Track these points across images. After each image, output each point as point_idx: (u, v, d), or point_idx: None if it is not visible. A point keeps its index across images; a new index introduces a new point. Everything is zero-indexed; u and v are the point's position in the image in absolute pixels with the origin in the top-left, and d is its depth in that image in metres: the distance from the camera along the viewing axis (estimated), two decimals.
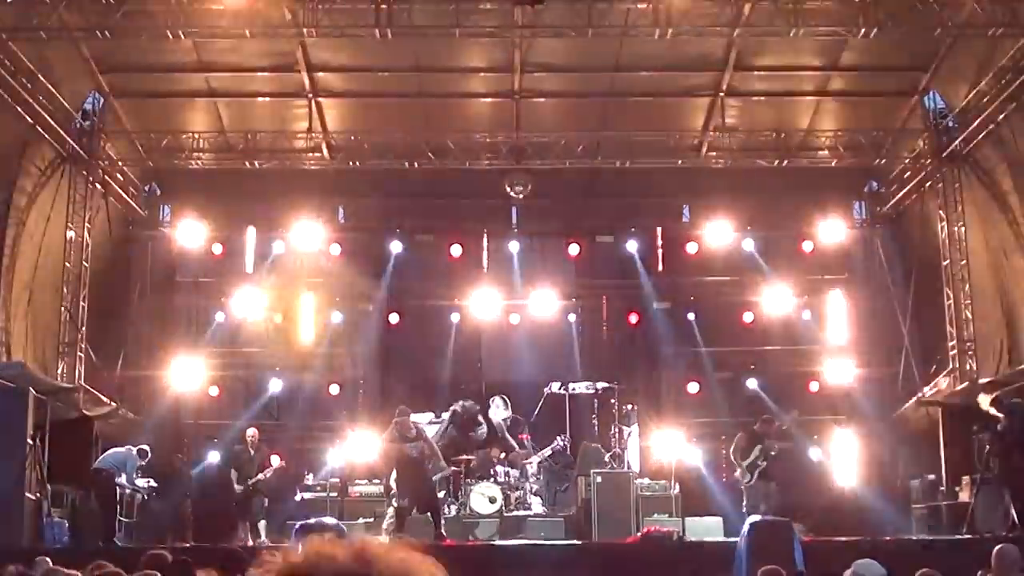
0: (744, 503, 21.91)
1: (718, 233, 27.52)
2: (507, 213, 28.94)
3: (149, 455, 21.55)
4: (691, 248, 27.99)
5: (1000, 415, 19.24)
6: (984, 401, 20.37)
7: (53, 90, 23.18)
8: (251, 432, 22.64)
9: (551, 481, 24.34)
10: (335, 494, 24.02)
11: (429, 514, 20.06)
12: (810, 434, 27.29)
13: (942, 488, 23.23)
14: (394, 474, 21.58)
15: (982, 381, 22.63)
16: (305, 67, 24.76)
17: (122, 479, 20.58)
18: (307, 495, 24.35)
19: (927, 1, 21.20)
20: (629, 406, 25.05)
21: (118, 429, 24.68)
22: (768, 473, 21.88)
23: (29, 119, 22.50)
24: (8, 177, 22.37)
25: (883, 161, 27.20)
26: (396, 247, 28.08)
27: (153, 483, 22.82)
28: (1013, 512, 18.77)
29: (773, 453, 22.08)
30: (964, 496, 21.70)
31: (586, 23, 21.81)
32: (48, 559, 12.20)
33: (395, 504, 20.40)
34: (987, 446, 19.56)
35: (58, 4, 20.76)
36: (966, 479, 21.76)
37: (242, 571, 8.97)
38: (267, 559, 2.06)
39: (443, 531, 19.91)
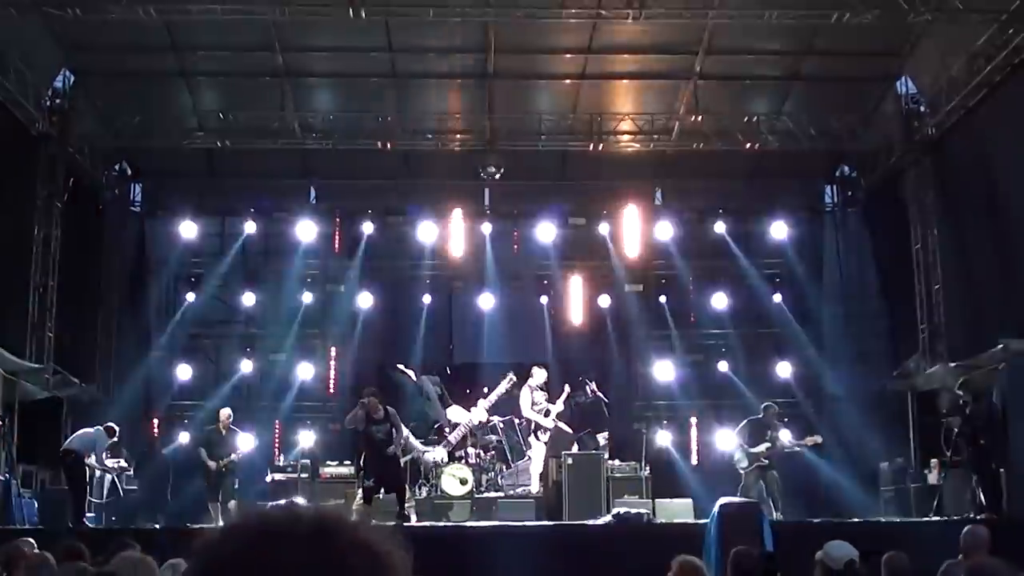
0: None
1: (690, 216, 27.56)
2: (479, 194, 28.91)
3: (117, 432, 21.47)
4: (663, 231, 28.01)
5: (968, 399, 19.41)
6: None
7: (23, 67, 23.02)
8: (225, 413, 22.56)
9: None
10: (306, 475, 24.03)
11: (395, 495, 20.07)
12: (780, 417, 27.38)
13: (911, 471, 23.38)
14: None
15: (952, 365, 22.77)
16: (278, 47, 24.66)
17: (91, 460, 20.50)
18: (278, 476, 24.33)
19: None
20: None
21: (88, 409, 24.62)
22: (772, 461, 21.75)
23: None
24: None
25: (855, 146, 27.30)
26: (368, 228, 28.04)
27: (123, 463, 22.78)
28: (981, 495, 18.94)
29: (798, 448, 22.20)
30: (933, 479, 21.84)
31: (560, 5, 21.80)
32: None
33: (363, 483, 20.42)
34: (955, 429, 19.67)
35: None
36: (935, 462, 21.90)
37: None
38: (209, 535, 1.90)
39: (406, 512, 19.94)
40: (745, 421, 22.16)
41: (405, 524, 18.42)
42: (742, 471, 21.56)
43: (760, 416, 21.96)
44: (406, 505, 20.83)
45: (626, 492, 22.47)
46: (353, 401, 27.18)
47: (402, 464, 21.20)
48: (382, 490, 20.08)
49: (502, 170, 26.58)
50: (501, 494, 23.10)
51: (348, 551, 1.81)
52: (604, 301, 28.66)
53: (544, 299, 28.83)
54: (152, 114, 26.17)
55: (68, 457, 20.50)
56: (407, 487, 21.37)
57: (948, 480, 20.65)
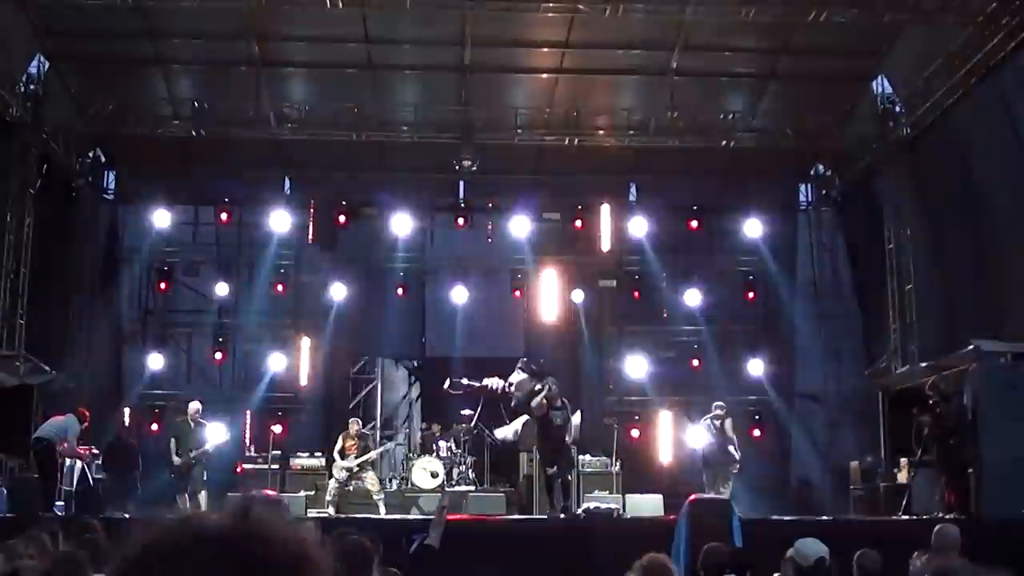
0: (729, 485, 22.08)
1: (664, 212, 27.54)
2: (454, 187, 28.88)
3: (88, 417, 21.46)
4: (637, 227, 28.00)
5: (938, 399, 19.51)
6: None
7: None
8: (194, 407, 22.60)
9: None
10: (276, 466, 24.00)
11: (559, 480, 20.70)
12: (752, 415, 27.47)
13: (880, 470, 23.46)
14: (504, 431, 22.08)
15: (923, 364, 22.87)
16: (254, 35, 24.56)
17: (64, 446, 20.48)
18: (248, 467, 24.30)
19: None
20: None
21: (59, 397, 24.51)
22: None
23: None
24: None
25: (830, 145, 27.35)
26: (342, 219, 27.95)
27: (95, 450, 22.72)
28: (949, 495, 19.05)
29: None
30: (902, 478, 21.93)
31: None
32: None
33: (546, 471, 20.76)
34: (925, 429, 19.76)
35: None
36: (905, 461, 21.99)
37: None
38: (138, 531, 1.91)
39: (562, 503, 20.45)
40: (726, 412, 22.51)
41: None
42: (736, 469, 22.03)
43: (722, 413, 22.43)
44: (375, 497, 21.00)
45: (597, 487, 22.59)
46: (327, 392, 27.39)
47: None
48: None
49: (477, 163, 26.55)
50: (472, 488, 23.15)
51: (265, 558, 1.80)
52: (577, 296, 28.66)
53: (517, 293, 28.81)
54: (126, 101, 26.04)
55: (39, 445, 20.45)
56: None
57: (918, 479, 20.74)
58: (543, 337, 28.32)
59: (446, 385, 24.71)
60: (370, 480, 22.47)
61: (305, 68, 26.44)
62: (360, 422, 23.83)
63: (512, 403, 23.21)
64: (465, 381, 24.62)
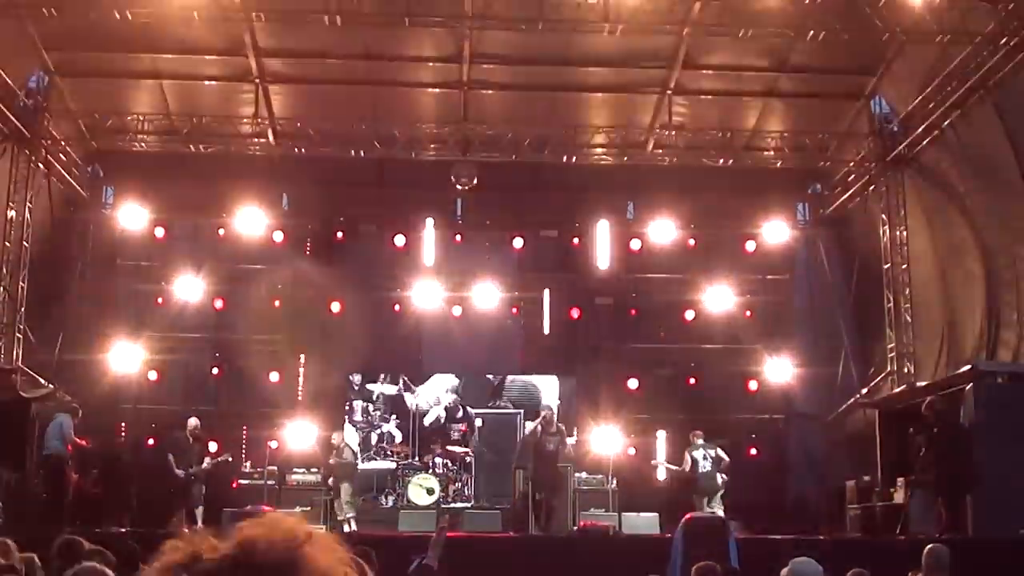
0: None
1: (662, 230, 27.56)
2: (452, 204, 28.88)
3: (78, 411, 21.56)
4: (635, 245, 28.00)
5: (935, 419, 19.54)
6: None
7: None
8: (192, 422, 22.64)
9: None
10: (272, 482, 23.96)
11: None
12: (748, 433, 27.47)
13: (877, 489, 23.45)
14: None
15: (920, 384, 22.87)
16: (253, 51, 24.57)
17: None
18: (245, 482, 24.26)
19: (876, 6, 21.33)
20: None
21: (55, 411, 24.47)
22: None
23: None
24: None
25: (828, 163, 27.40)
26: (340, 235, 27.94)
27: (89, 444, 22.70)
28: (945, 515, 19.03)
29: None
30: (898, 498, 21.92)
31: (537, 16, 21.80)
32: None
33: (535, 497, 20.77)
34: (922, 449, 19.76)
35: None
36: (901, 481, 21.99)
37: None
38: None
39: (551, 524, 20.53)
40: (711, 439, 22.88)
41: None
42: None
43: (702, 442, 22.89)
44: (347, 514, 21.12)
45: (593, 505, 22.57)
46: (323, 408, 27.35)
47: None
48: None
49: (475, 180, 26.55)
50: (468, 504, 23.13)
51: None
52: (575, 313, 28.63)
53: (514, 310, 28.79)
54: (126, 115, 26.07)
55: (48, 462, 20.54)
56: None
57: (914, 499, 20.73)
58: (539, 354, 28.31)
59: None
60: (344, 494, 22.51)
61: (304, 84, 26.46)
62: (341, 433, 23.87)
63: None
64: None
